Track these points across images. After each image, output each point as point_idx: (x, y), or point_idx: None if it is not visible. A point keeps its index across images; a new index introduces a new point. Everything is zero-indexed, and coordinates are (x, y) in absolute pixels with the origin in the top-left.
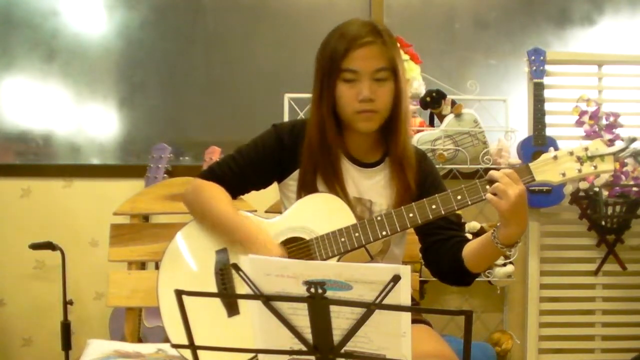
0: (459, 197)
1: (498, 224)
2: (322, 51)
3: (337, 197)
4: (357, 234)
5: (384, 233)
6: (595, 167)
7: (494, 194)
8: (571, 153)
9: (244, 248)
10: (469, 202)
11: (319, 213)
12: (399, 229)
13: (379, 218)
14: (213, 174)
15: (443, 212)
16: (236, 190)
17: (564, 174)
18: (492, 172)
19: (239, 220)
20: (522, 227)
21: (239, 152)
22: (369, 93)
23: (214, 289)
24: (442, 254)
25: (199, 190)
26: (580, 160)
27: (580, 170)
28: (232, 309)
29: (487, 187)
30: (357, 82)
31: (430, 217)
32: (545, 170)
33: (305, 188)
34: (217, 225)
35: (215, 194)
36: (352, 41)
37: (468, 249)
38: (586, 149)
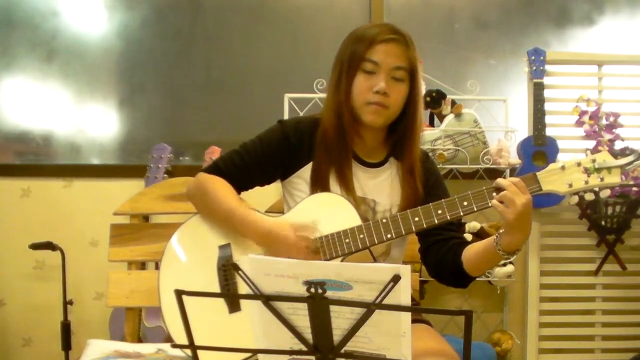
0: (465, 203)
1: (501, 231)
2: (342, 49)
3: (343, 197)
4: (361, 236)
5: (388, 236)
6: (602, 179)
7: (501, 202)
8: (579, 164)
9: (256, 242)
10: (475, 209)
11: (324, 213)
12: (404, 232)
13: (384, 221)
14: (217, 169)
15: (449, 218)
16: (240, 185)
17: (570, 185)
18: (499, 180)
19: (248, 214)
20: (525, 235)
21: (244, 148)
22: (384, 86)
23: (216, 285)
24: (442, 255)
25: (204, 185)
26: (587, 171)
27: (587, 182)
28: (234, 306)
29: (494, 194)
30: (375, 75)
31: (436, 221)
32: (552, 181)
33: (318, 185)
34: (225, 218)
35: (221, 187)
36: (378, 34)
37: (468, 253)
38: (594, 161)
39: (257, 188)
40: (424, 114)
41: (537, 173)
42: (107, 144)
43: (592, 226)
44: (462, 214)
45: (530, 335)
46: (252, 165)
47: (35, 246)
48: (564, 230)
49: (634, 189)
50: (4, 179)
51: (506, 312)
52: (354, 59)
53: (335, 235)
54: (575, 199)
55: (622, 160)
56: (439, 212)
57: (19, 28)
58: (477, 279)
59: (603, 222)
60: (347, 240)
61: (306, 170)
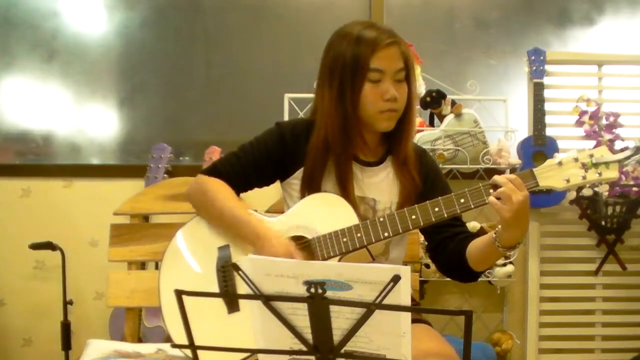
0: (462, 201)
1: (499, 226)
2: (336, 52)
3: (340, 197)
4: (359, 235)
5: (385, 234)
6: (600, 174)
7: (498, 198)
8: (576, 159)
9: (251, 243)
10: (472, 206)
11: (322, 212)
12: (401, 231)
13: (381, 219)
14: (216, 171)
15: (446, 215)
16: (239, 187)
17: (568, 180)
18: (496, 177)
19: (246, 216)
20: (523, 231)
21: (242, 150)
22: (394, 92)
23: (215, 286)
24: (449, 252)
25: (204, 186)
26: (585, 166)
27: (584, 177)
28: (233, 306)
29: (491, 190)
30: (381, 82)
31: (433, 219)
32: (550, 176)
33: (310, 186)
34: (224, 220)
35: (220, 189)
36: (378, 42)
37: (471, 249)
38: (591, 156)
39: (257, 188)
40: (421, 111)
41: (534, 169)
42: (107, 144)
43: (592, 226)
44: (459, 211)
45: (530, 335)
46: (249, 167)
47: (35, 246)
48: (564, 230)
49: (634, 189)
50: (4, 179)
51: (506, 312)
52: (357, 69)
53: (332, 234)
54: (573, 194)
55: (620, 155)
56: (436, 209)
57: (19, 28)
58: (478, 279)
59: (603, 222)
60: (344, 240)
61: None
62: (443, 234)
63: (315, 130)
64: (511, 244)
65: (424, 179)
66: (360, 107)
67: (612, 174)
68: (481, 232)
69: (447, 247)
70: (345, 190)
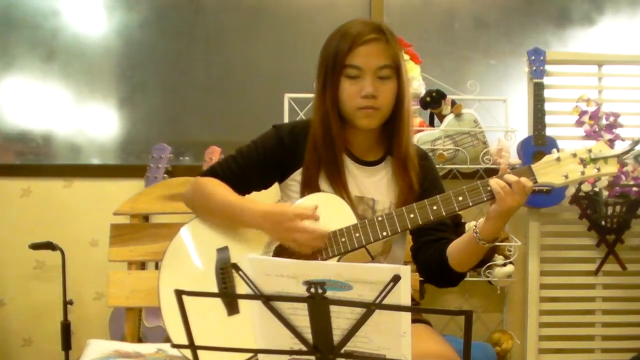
0: (460, 199)
1: (480, 220)
2: (325, 48)
3: (339, 197)
4: (357, 234)
5: (384, 234)
6: (599, 169)
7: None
8: (574, 155)
9: (257, 226)
10: (470, 204)
11: (320, 213)
12: (399, 230)
13: (379, 218)
14: (214, 174)
15: (444, 213)
16: (237, 190)
17: (566, 176)
18: (493, 184)
19: (245, 201)
20: (506, 223)
21: (240, 153)
22: (371, 89)
23: (214, 287)
24: (430, 254)
25: (201, 185)
26: (583, 162)
27: (583, 173)
28: (232, 308)
29: (489, 189)
30: (360, 79)
31: (431, 217)
32: (548, 172)
33: (308, 186)
34: (224, 211)
35: (217, 186)
36: (357, 38)
37: (451, 248)
38: (590, 151)
39: (256, 191)
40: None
41: (532, 165)
42: (107, 144)
43: (592, 226)
44: (457, 209)
45: (530, 335)
46: (248, 170)
47: (35, 246)
48: (564, 230)
49: (634, 189)
50: (4, 179)
51: (506, 312)
52: (336, 67)
53: (331, 234)
54: (573, 192)
55: (619, 150)
56: (434, 208)
57: (19, 28)
58: (477, 279)
59: (603, 222)
60: (343, 239)
61: (301, 173)
62: (429, 236)
63: (310, 128)
64: (493, 236)
65: (422, 182)
66: (340, 103)
67: (611, 168)
68: None
69: (429, 249)
70: (338, 189)
